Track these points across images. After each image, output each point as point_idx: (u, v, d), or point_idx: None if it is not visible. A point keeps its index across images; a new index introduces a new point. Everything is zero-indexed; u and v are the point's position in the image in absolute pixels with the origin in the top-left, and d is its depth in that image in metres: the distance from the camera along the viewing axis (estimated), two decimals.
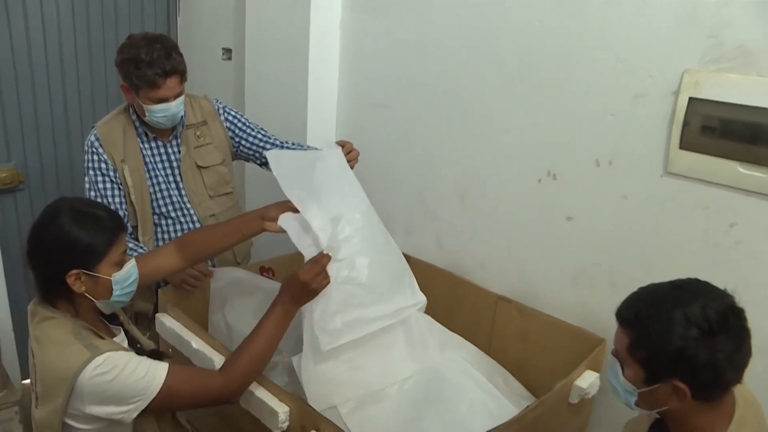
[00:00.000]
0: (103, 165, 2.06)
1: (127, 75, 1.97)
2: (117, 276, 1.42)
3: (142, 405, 1.33)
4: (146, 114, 2.01)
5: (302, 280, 1.53)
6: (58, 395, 1.30)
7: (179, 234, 2.19)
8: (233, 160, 2.32)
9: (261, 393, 1.54)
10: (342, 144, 1.96)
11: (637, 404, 1.19)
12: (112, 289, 1.42)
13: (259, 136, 2.26)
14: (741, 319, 1.12)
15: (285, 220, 1.69)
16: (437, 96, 2.26)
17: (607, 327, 1.73)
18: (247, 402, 1.56)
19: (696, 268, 1.68)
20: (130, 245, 2.02)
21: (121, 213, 2.07)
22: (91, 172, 2.07)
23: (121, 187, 2.09)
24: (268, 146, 2.24)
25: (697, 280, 1.17)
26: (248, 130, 2.26)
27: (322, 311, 1.62)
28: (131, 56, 1.94)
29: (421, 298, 1.84)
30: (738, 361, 1.11)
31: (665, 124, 1.68)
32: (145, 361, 1.36)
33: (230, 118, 2.26)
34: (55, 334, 1.36)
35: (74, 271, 1.36)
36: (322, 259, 1.57)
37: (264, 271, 2.27)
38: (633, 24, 1.70)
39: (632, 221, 1.79)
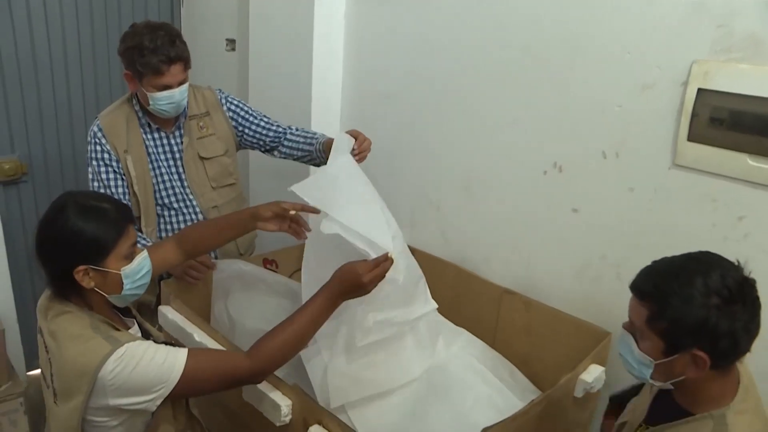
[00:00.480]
0: (106, 155, 2.06)
1: (131, 63, 1.97)
2: (127, 269, 1.39)
3: (165, 392, 1.32)
4: (150, 102, 2.00)
5: (361, 278, 1.48)
6: (79, 391, 1.29)
7: (182, 225, 2.19)
8: (237, 150, 2.32)
9: (263, 386, 1.52)
10: (354, 135, 1.95)
11: (651, 377, 1.19)
12: (123, 283, 1.39)
13: (263, 123, 2.26)
14: (754, 290, 1.13)
15: (329, 226, 1.61)
16: (442, 87, 2.24)
17: (613, 320, 1.73)
18: (249, 395, 1.55)
19: None
20: None
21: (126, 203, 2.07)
22: (94, 162, 2.07)
23: (124, 177, 2.08)
24: (271, 133, 2.24)
25: (708, 252, 1.19)
26: (251, 119, 2.25)
27: (363, 307, 1.61)
28: (135, 44, 1.94)
29: (433, 306, 1.82)
30: (753, 330, 1.12)
31: (673, 116, 1.66)
32: (163, 348, 1.35)
33: (233, 107, 2.25)
34: (73, 329, 1.34)
35: (81, 267, 1.34)
36: (385, 263, 1.52)
37: (267, 263, 2.26)
38: (640, 13, 1.68)
39: (639, 214, 1.78)
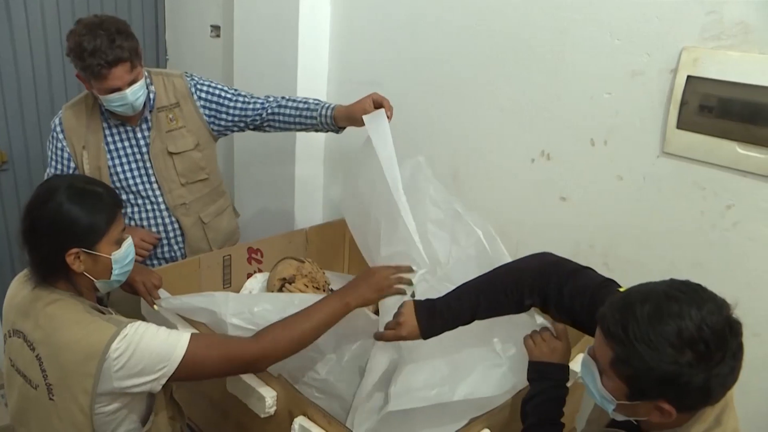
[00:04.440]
0: (58, 151, 2.02)
1: (75, 65, 1.85)
2: (117, 254, 1.39)
3: (169, 371, 1.30)
4: (104, 104, 1.92)
5: (375, 275, 1.51)
6: (86, 375, 1.27)
7: (143, 223, 2.12)
8: (217, 139, 2.21)
9: (248, 377, 1.51)
10: (379, 103, 1.87)
11: (614, 411, 1.11)
12: (112, 267, 1.39)
13: (239, 104, 2.10)
14: (738, 336, 1.00)
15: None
16: (429, 74, 2.22)
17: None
18: (233, 386, 1.53)
19: (692, 249, 1.66)
20: None
21: None
22: (49, 152, 2.04)
23: (75, 173, 2.03)
24: (249, 111, 2.10)
25: (691, 286, 1.04)
26: (225, 102, 2.11)
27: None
28: (74, 45, 1.81)
29: None
30: (729, 382, 1.02)
31: (662, 103, 1.65)
32: (166, 328, 1.34)
33: (203, 95, 2.10)
34: (68, 315, 1.32)
35: (74, 250, 1.32)
36: (402, 268, 1.55)
37: (252, 252, 2.24)
38: (630, 0, 1.66)
39: (627, 202, 1.77)
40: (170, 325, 1.75)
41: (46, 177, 2.02)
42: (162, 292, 1.78)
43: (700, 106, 1.56)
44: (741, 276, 1.58)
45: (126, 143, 2.05)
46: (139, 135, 2.06)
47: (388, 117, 1.84)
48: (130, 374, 1.28)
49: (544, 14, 1.85)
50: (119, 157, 2.05)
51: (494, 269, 1.48)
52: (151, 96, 2.02)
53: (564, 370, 1.40)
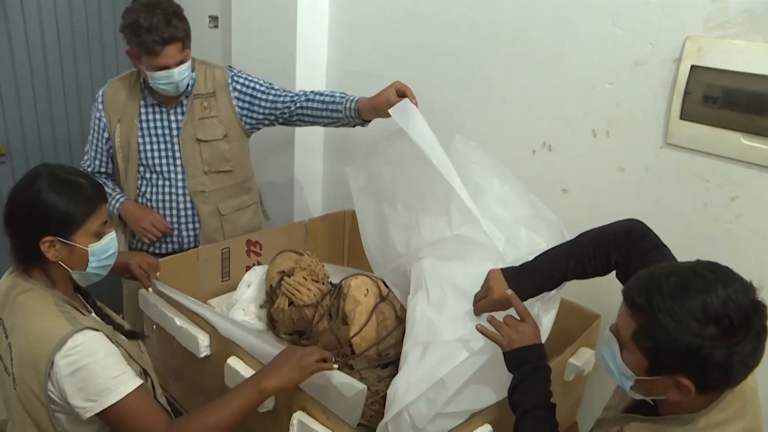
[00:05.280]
0: (97, 120, 2.17)
1: (129, 41, 1.96)
2: (94, 247, 1.37)
3: (97, 408, 1.25)
4: (150, 81, 2.01)
5: (295, 353, 1.37)
6: (37, 372, 1.26)
7: (161, 203, 2.18)
8: (248, 136, 2.26)
9: (246, 371, 1.50)
10: (402, 92, 1.88)
11: (631, 389, 1.11)
12: (88, 260, 1.37)
13: (271, 96, 2.15)
14: (763, 318, 1.00)
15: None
16: (429, 64, 2.20)
17: (603, 303, 1.70)
18: (231, 381, 1.53)
19: (694, 242, 1.64)
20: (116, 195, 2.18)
21: (99, 163, 2.21)
22: (91, 122, 2.20)
23: (109, 143, 2.17)
24: (279, 104, 2.14)
25: (718, 266, 1.04)
26: (260, 95, 2.15)
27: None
28: (130, 22, 1.92)
29: None
30: (751, 363, 1.01)
31: (665, 94, 1.63)
32: (124, 366, 1.30)
33: (238, 87, 2.16)
34: (36, 305, 1.32)
35: (48, 238, 1.31)
36: (323, 352, 1.43)
37: (251, 244, 2.22)
38: None
39: (629, 194, 1.75)
40: (159, 313, 1.76)
41: (87, 145, 2.23)
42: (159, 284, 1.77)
43: (704, 97, 1.54)
44: (744, 269, 1.53)
45: (158, 123, 2.14)
46: (172, 118, 2.14)
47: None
48: (67, 386, 1.25)
49: (545, 3, 1.82)
50: (150, 135, 2.14)
51: (580, 234, 1.48)
52: (191, 82, 2.11)
53: (539, 349, 1.37)
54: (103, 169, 2.23)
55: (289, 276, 1.81)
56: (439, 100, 2.19)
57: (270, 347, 1.51)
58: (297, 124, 2.20)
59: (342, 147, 2.54)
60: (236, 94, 2.16)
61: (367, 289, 1.81)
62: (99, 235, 1.38)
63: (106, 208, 1.40)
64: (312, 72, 2.53)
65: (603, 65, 1.73)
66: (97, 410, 1.25)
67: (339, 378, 1.36)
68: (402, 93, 1.87)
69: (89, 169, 2.23)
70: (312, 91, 2.14)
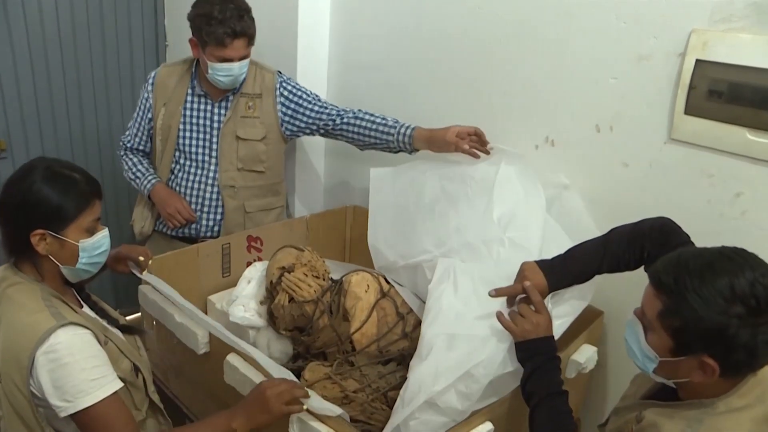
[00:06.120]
0: (144, 101, 2.27)
1: (197, 30, 2.04)
2: (85, 243, 1.37)
3: (71, 409, 1.25)
4: (209, 71, 2.07)
5: (265, 393, 1.32)
6: (20, 367, 1.25)
7: (189, 189, 2.26)
8: (285, 142, 2.31)
9: (244, 367, 1.51)
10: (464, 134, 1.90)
11: (654, 372, 1.12)
12: (79, 255, 1.37)
13: (316, 108, 2.22)
14: None
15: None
16: (432, 57, 2.18)
17: (606, 299, 1.69)
18: (230, 378, 1.52)
19: (698, 239, 1.61)
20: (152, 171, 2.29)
21: (138, 141, 2.32)
22: (139, 101, 2.30)
23: (151, 124, 2.26)
24: (324, 116, 2.20)
25: (745, 251, 1.06)
26: (305, 104, 2.22)
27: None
28: (204, 12, 2.01)
29: None
30: None
31: (670, 88, 1.61)
32: (105, 369, 1.30)
33: (285, 93, 2.23)
34: (22, 299, 1.32)
35: (39, 231, 1.31)
36: (296, 389, 1.35)
37: (252, 240, 2.21)
38: None
39: (633, 189, 1.73)
40: (158, 309, 1.75)
41: (131, 121, 2.34)
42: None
43: (709, 91, 1.52)
44: None
45: (202, 114, 2.22)
46: (216, 111, 2.22)
47: (481, 152, 1.89)
48: (46, 382, 1.25)
49: None
50: (191, 124, 2.22)
51: (612, 229, 1.50)
52: (243, 77, 2.17)
53: (551, 341, 1.40)
54: (141, 147, 2.34)
55: (289, 272, 1.80)
56: (441, 94, 2.18)
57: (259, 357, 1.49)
58: (338, 137, 2.23)
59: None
60: (282, 99, 2.23)
61: (368, 285, 1.80)
62: (91, 231, 1.38)
63: (100, 205, 1.40)
64: (313, 63, 2.53)
65: (607, 59, 1.71)
66: (71, 411, 1.25)
67: (316, 403, 1.35)
68: (462, 135, 1.88)
69: (129, 145, 2.34)
70: (360, 110, 2.18)
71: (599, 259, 1.47)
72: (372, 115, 2.14)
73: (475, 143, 1.88)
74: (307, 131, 2.27)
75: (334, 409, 1.34)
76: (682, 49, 1.56)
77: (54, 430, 1.33)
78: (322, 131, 2.25)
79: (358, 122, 2.14)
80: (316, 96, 2.25)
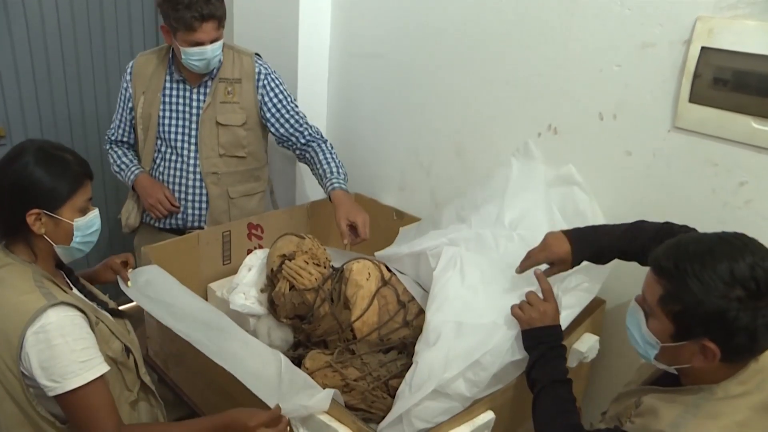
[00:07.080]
0: (123, 91, 2.26)
1: (166, 16, 2.02)
2: (80, 221, 1.39)
3: (59, 390, 1.26)
4: (182, 57, 2.06)
5: (247, 424, 1.30)
6: (10, 346, 1.25)
7: (172, 178, 2.24)
8: (265, 128, 2.30)
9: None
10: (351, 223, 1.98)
11: (656, 358, 1.13)
12: (73, 234, 1.39)
13: (291, 122, 2.23)
14: None
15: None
16: (434, 45, 2.16)
17: (607, 288, 1.68)
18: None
19: (702, 228, 1.60)
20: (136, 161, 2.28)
21: (122, 132, 2.30)
22: (119, 93, 2.29)
23: (132, 113, 2.25)
24: (293, 137, 2.24)
25: (745, 236, 1.07)
26: (282, 111, 2.23)
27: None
28: None
29: None
30: None
31: (674, 76, 1.59)
32: (93, 352, 1.30)
33: (268, 88, 2.22)
34: (13, 280, 1.32)
35: (35, 211, 1.33)
36: (280, 424, 1.33)
37: (253, 227, 2.21)
38: None
39: (637, 178, 1.72)
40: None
41: (114, 114, 2.32)
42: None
43: (714, 79, 1.51)
44: None
45: (181, 100, 2.21)
46: (195, 97, 2.20)
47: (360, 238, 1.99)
48: (35, 363, 1.25)
49: None
50: (171, 111, 2.21)
51: (638, 220, 1.51)
52: (218, 64, 2.16)
53: (558, 330, 1.41)
54: (125, 139, 2.32)
55: (290, 259, 1.79)
56: (442, 82, 2.16)
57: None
58: (296, 153, 2.29)
59: (345, 131, 2.52)
60: (263, 90, 2.21)
61: (369, 273, 1.79)
62: (84, 211, 1.41)
63: (91, 185, 1.42)
64: (314, 54, 2.51)
65: (610, 46, 1.70)
66: (59, 392, 1.26)
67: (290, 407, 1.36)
68: (349, 223, 1.98)
69: (113, 138, 2.33)
70: (325, 142, 2.24)
71: (626, 243, 1.45)
72: (329, 154, 2.19)
73: (351, 235, 1.98)
74: (275, 137, 2.29)
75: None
76: (687, 37, 1.54)
77: (45, 410, 1.33)
78: (283, 144, 2.29)
79: (314, 154, 2.20)
80: (296, 110, 2.25)
